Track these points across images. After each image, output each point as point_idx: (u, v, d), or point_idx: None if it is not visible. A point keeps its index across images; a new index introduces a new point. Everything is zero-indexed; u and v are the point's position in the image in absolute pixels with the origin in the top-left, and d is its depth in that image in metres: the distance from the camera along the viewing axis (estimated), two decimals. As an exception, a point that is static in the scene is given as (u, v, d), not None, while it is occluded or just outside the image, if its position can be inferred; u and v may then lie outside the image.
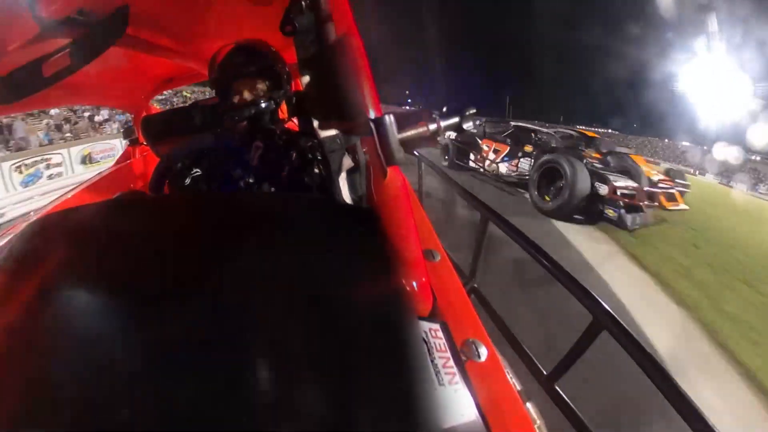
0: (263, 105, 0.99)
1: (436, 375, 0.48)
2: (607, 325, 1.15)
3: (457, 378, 0.48)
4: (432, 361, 0.49)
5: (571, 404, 1.22)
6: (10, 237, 0.78)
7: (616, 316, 1.14)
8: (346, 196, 1.15)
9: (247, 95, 0.99)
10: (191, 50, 1.35)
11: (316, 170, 1.04)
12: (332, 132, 1.12)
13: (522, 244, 1.59)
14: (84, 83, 1.32)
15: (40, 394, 0.33)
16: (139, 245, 0.47)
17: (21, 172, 5.22)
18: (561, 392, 1.26)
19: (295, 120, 1.22)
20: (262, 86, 1.01)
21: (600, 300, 1.20)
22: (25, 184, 5.30)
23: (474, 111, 0.59)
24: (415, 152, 3.58)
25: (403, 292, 0.53)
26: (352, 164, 1.21)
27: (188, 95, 13.90)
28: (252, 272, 0.44)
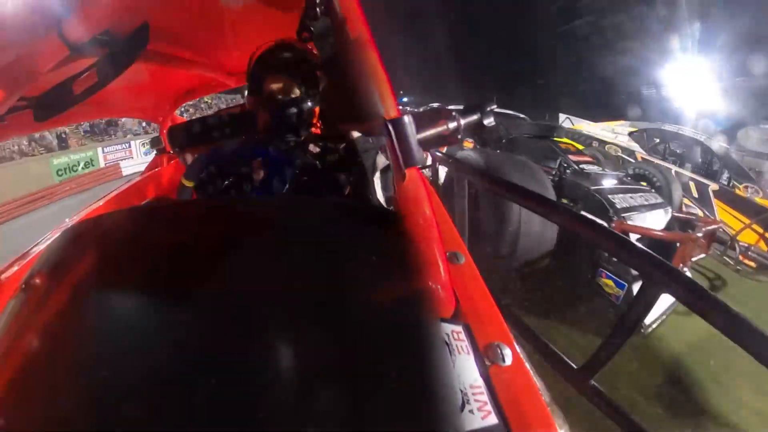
0: (300, 104, 0.96)
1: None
2: (665, 282, 0.94)
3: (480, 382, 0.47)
4: (454, 364, 0.48)
5: (612, 400, 1.11)
6: (48, 243, 0.83)
7: (675, 268, 0.95)
8: (380, 195, 1.15)
9: (283, 91, 0.97)
10: (211, 61, 1.39)
11: (350, 170, 1.01)
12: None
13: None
14: (111, 98, 1.38)
15: (78, 392, 0.35)
16: (167, 248, 0.49)
17: (144, 147, 10.60)
18: (599, 387, 1.13)
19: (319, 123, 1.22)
20: (299, 85, 0.99)
21: (652, 253, 1.01)
22: (146, 154, 10.84)
23: (494, 106, 0.57)
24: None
25: (425, 294, 0.52)
26: (386, 162, 1.19)
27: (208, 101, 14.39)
28: (275, 274, 0.44)
